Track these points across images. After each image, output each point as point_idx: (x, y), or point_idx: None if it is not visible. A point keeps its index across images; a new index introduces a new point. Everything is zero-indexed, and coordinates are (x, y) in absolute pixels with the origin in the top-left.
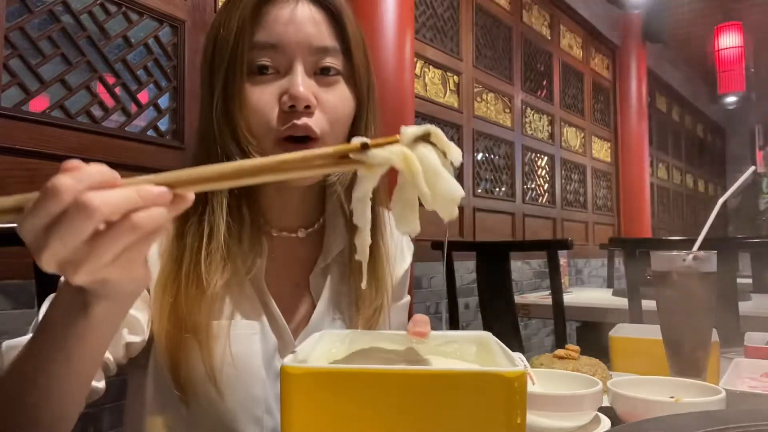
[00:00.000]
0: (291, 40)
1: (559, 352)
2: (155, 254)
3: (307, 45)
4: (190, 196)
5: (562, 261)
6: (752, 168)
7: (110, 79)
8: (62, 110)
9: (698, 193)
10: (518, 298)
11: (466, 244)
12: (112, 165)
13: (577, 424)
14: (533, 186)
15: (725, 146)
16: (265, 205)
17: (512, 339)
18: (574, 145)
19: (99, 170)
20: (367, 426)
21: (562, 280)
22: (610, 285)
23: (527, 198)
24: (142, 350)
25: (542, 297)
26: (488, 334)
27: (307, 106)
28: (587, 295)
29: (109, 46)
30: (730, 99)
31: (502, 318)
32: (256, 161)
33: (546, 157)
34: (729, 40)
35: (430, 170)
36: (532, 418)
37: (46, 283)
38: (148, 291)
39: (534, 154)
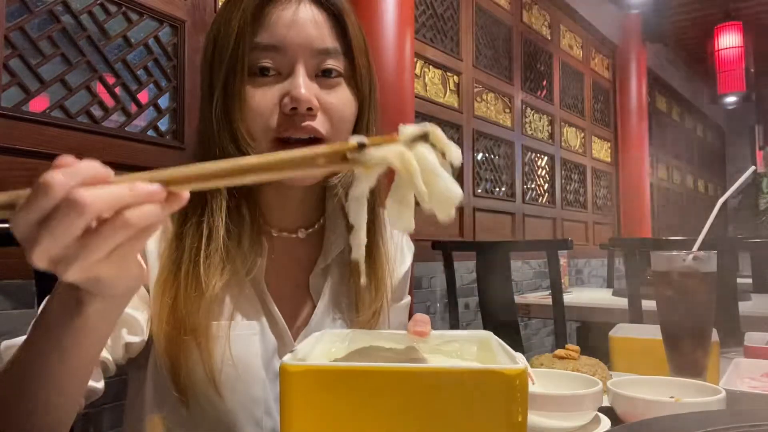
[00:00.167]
0: (293, 42)
1: (559, 352)
2: (155, 255)
3: (308, 47)
4: (185, 194)
5: (562, 261)
6: (752, 168)
7: (110, 79)
8: (62, 110)
9: (698, 193)
10: (518, 298)
11: (466, 244)
12: (112, 165)
13: (577, 424)
14: (533, 186)
15: (725, 146)
16: (265, 206)
17: (512, 339)
18: (574, 145)
19: (91, 166)
20: (367, 424)
21: (562, 280)
22: (610, 285)
23: (527, 198)
24: (141, 350)
25: (542, 297)
26: (489, 334)
27: (309, 108)
28: (587, 295)
29: (109, 46)
30: (730, 99)
31: (502, 318)
32: (252, 159)
33: (546, 157)
34: (729, 40)
35: (428, 170)
36: (532, 418)
37: (46, 283)
38: (148, 290)
39: (534, 154)
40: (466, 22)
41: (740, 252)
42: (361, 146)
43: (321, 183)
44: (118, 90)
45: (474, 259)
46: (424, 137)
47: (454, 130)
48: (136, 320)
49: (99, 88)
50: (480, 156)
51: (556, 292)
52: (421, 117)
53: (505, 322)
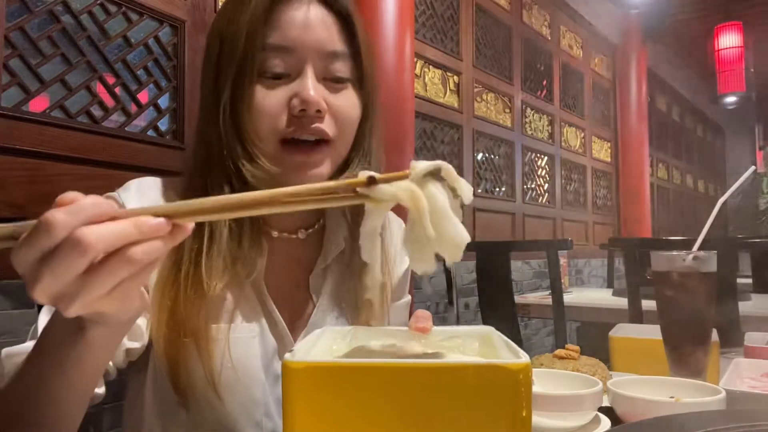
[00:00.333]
0: (303, 44)
1: (559, 352)
2: None
3: (318, 49)
4: (189, 226)
5: (562, 261)
6: (752, 168)
7: (110, 79)
8: (62, 110)
9: (698, 193)
10: (518, 298)
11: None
12: (112, 165)
13: (577, 424)
14: (533, 186)
15: (725, 146)
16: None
17: (512, 339)
18: (574, 145)
19: (95, 203)
20: (370, 420)
21: (562, 280)
22: (610, 285)
23: (527, 198)
24: (141, 354)
25: (542, 297)
26: (491, 329)
27: (318, 111)
28: (587, 295)
29: (109, 46)
30: (730, 99)
31: (502, 318)
32: (262, 194)
33: (546, 157)
34: (729, 40)
35: (438, 212)
36: (532, 418)
37: None
38: (147, 292)
39: (534, 154)
40: (466, 22)
41: (740, 252)
42: (372, 181)
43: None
44: (118, 90)
45: (474, 259)
46: (435, 173)
47: (454, 130)
48: (137, 326)
49: (99, 88)
50: (480, 156)
51: (556, 292)
52: (420, 117)
53: (505, 322)
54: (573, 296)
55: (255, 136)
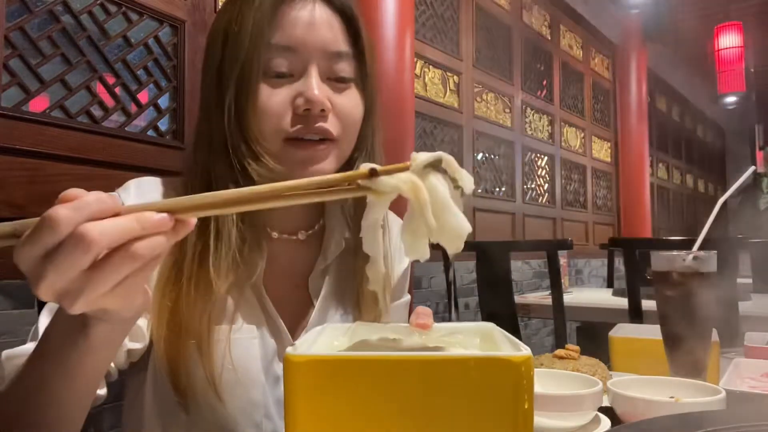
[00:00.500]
0: (308, 44)
1: (559, 352)
2: None
3: (323, 49)
4: (192, 221)
5: (562, 261)
6: (752, 168)
7: (110, 79)
8: (62, 110)
9: (698, 193)
10: (518, 298)
11: (466, 244)
12: (112, 165)
13: (577, 424)
14: (533, 186)
15: (725, 146)
16: (270, 209)
17: None
18: (574, 145)
19: (98, 199)
20: (372, 414)
21: (562, 280)
22: (610, 285)
23: (527, 198)
24: (142, 355)
25: (542, 297)
26: (492, 325)
27: (322, 110)
28: (587, 295)
29: (109, 46)
30: (730, 99)
31: (502, 318)
32: (264, 187)
33: (546, 157)
34: (729, 40)
35: (439, 202)
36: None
37: None
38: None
39: (534, 154)
40: (466, 22)
41: (740, 252)
42: (373, 173)
43: None
44: (118, 90)
45: (474, 259)
46: (436, 164)
47: (454, 130)
48: (138, 327)
49: (99, 88)
50: (480, 156)
51: (556, 292)
52: (420, 117)
53: (505, 322)
54: (573, 296)
55: (260, 135)
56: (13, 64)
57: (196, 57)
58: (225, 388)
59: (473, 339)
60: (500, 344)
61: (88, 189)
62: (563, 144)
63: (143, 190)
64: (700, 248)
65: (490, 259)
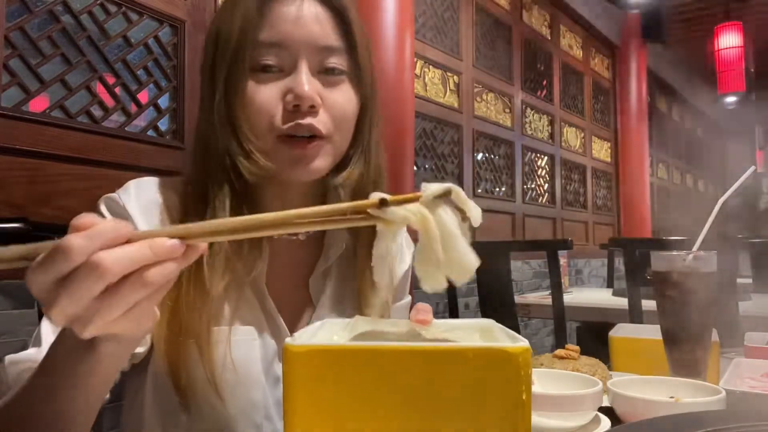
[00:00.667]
0: (296, 39)
1: (559, 352)
2: None
3: (311, 44)
4: (203, 246)
5: (562, 261)
6: (752, 168)
7: (110, 79)
8: (62, 110)
9: (698, 193)
10: (518, 298)
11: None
12: (112, 165)
13: (577, 424)
14: (533, 186)
15: (725, 146)
16: (266, 207)
17: None
18: (574, 145)
19: (112, 227)
20: (371, 404)
21: (562, 280)
22: (610, 285)
23: (527, 198)
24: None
25: (542, 297)
26: (491, 321)
27: (312, 106)
28: (587, 295)
29: (109, 46)
30: (730, 99)
31: (502, 318)
32: (275, 215)
33: (546, 157)
34: (729, 40)
35: (447, 236)
36: (532, 417)
37: None
38: None
39: (534, 154)
40: (466, 22)
41: (740, 252)
42: (383, 203)
43: (322, 184)
44: (118, 90)
45: None
46: (445, 195)
47: (454, 130)
48: None
49: (99, 88)
50: (480, 156)
51: (556, 292)
52: (420, 117)
53: (505, 322)
54: (573, 296)
55: (251, 133)
56: (13, 64)
57: (196, 57)
58: (225, 388)
59: (473, 334)
60: (500, 339)
61: (88, 189)
62: (563, 144)
63: (143, 190)
64: (700, 248)
65: (490, 259)
